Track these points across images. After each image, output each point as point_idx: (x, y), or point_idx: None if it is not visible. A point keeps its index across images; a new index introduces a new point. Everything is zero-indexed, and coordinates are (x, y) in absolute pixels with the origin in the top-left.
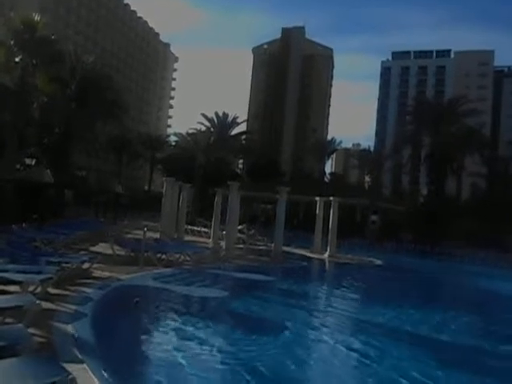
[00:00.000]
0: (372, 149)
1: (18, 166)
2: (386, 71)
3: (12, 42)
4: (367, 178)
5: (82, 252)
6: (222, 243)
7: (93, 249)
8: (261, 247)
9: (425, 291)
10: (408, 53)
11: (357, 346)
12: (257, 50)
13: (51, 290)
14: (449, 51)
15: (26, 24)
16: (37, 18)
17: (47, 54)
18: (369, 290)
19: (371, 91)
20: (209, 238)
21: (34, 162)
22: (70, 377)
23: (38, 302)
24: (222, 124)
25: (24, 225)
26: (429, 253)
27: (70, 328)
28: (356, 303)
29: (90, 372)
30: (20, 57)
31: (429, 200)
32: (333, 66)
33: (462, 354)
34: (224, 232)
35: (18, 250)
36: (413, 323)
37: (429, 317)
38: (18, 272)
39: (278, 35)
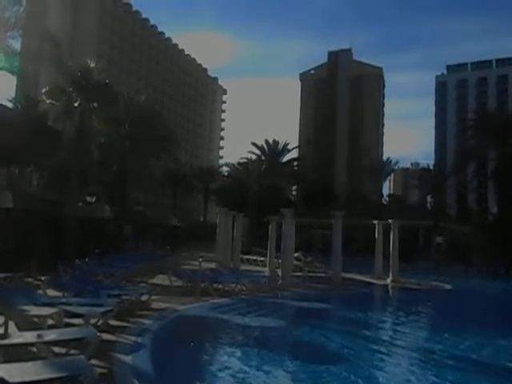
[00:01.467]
0: (432, 167)
1: (80, 204)
2: (441, 86)
3: (71, 89)
4: (429, 199)
5: (141, 284)
6: (279, 271)
7: (151, 281)
8: (319, 274)
9: (502, 318)
10: (464, 65)
11: (425, 379)
12: (304, 76)
13: (112, 322)
14: (510, 59)
15: (82, 71)
16: (92, 64)
17: (103, 98)
18: (438, 317)
19: (427, 108)
20: (265, 266)
21: (94, 200)
22: None
23: (98, 334)
24: (273, 152)
25: (87, 259)
26: (503, 276)
27: (129, 359)
28: (424, 332)
29: None
30: (78, 102)
31: (500, 219)
32: (384, 85)
33: None
34: (280, 260)
35: (81, 284)
36: (490, 353)
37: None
38: (81, 305)
39: (325, 59)
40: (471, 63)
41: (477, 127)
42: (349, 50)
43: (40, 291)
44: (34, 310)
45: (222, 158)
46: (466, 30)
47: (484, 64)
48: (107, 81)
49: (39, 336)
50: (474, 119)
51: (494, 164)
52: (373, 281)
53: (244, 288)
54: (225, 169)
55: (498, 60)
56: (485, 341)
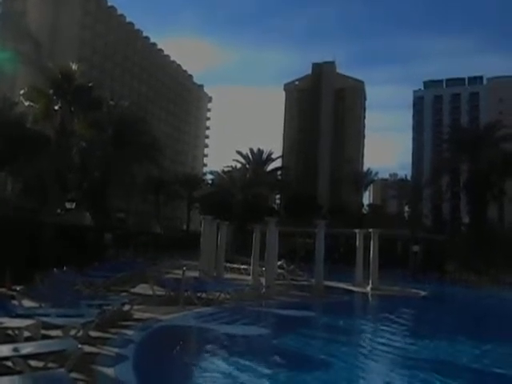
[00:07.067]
0: (410, 178)
1: (58, 211)
2: (418, 100)
3: (51, 91)
4: (406, 208)
5: (123, 294)
6: (262, 280)
7: (133, 290)
8: (302, 282)
9: (475, 322)
10: (440, 81)
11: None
12: (288, 87)
13: (93, 333)
14: (481, 77)
15: (64, 73)
16: (74, 67)
17: (85, 101)
18: (416, 322)
19: (405, 121)
20: (248, 274)
21: (74, 206)
22: None
23: (79, 345)
24: (257, 160)
25: (65, 268)
26: (474, 282)
27: (112, 371)
28: (405, 337)
29: None
30: (59, 105)
31: (471, 228)
32: (365, 98)
33: None
34: (264, 268)
35: (59, 294)
36: (470, 358)
37: (485, 351)
38: (60, 316)
39: (309, 71)
40: (446, 80)
41: (450, 141)
42: (332, 63)
43: (15, 302)
44: (8, 322)
45: (206, 165)
46: (442, 47)
47: (457, 81)
48: (90, 84)
49: (15, 349)
50: (448, 133)
51: (465, 176)
52: (354, 288)
53: (228, 297)
54: (209, 177)
55: (470, 78)
56: (457, 345)
